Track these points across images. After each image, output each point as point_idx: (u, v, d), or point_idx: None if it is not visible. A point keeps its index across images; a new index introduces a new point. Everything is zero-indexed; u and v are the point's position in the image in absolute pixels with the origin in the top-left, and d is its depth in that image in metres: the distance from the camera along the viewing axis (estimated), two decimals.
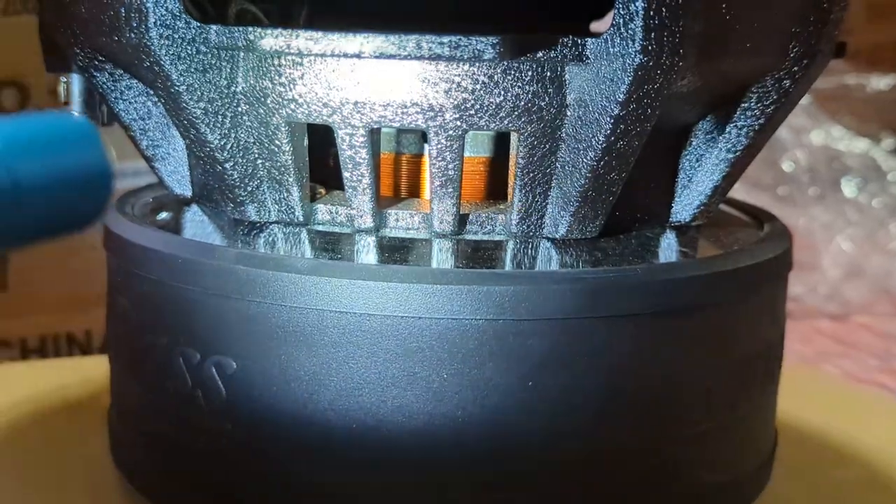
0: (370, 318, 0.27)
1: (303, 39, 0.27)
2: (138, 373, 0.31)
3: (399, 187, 0.32)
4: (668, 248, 0.31)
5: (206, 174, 0.31)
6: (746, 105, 0.31)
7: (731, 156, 0.32)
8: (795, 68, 0.30)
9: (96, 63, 0.32)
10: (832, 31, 0.30)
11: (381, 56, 0.27)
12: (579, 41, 0.27)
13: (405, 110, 0.28)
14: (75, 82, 0.34)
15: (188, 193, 0.34)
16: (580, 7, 0.31)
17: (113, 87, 0.32)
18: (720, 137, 0.31)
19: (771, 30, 0.29)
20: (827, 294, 0.71)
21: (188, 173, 0.34)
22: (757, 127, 0.31)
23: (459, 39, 0.26)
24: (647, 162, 0.31)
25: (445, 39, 0.27)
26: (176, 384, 0.30)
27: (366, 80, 0.28)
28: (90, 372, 0.46)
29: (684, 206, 0.33)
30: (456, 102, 0.28)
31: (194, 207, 0.34)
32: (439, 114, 0.28)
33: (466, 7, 0.31)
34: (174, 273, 0.29)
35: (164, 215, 0.34)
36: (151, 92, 0.32)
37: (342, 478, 0.28)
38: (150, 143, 0.33)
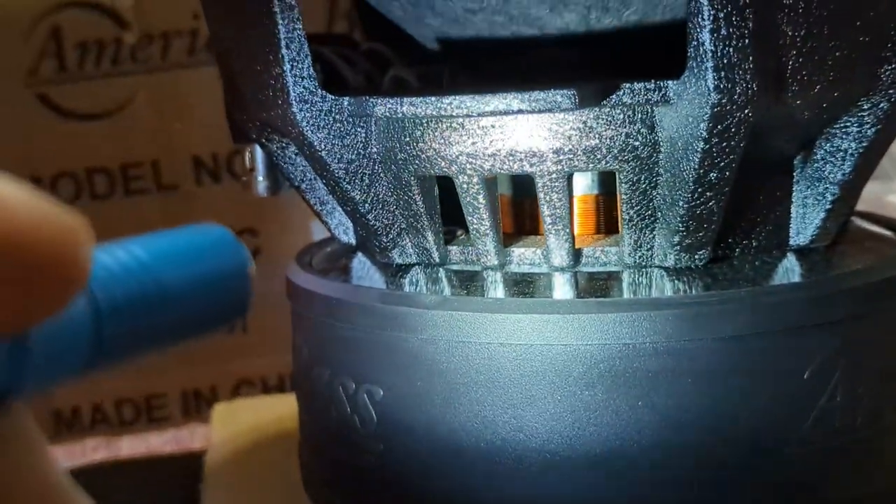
0: (489, 347, 0.30)
1: (409, 106, 0.31)
2: (310, 403, 0.36)
3: (522, 226, 0.35)
4: (783, 271, 0.33)
5: (357, 225, 0.36)
6: (846, 130, 0.32)
7: (839, 179, 0.33)
8: (892, 91, 0.31)
9: (266, 134, 0.37)
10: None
11: (482, 114, 0.31)
12: (661, 84, 0.30)
13: (512, 158, 0.31)
14: (257, 152, 0.40)
15: (353, 242, 0.39)
16: None
17: (281, 154, 0.38)
18: (826, 163, 0.33)
19: (856, 57, 0.30)
20: None
21: (351, 225, 0.38)
22: (861, 150, 0.32)
23: (537, 94, 0.29)
24: (757, 190, 0.32)
25: (527, 95, 0.30)
26: (337, 411, 0.34)
27: (475, 134, 0.31)
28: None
29: (802, 230, 0.34)
30: (554, 148, 0.31)
31: (358, 255, 0.39)
32: (541, 159, 0.31)
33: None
34: (332, 312, 0.34)
35: (332, 263, 0.39)
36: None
37: (471, 488, 0.31)
38: (317, 200, 0.38)
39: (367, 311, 0.33)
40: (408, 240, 0.35)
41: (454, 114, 0.31)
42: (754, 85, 0.28)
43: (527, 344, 0.30)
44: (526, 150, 0.31)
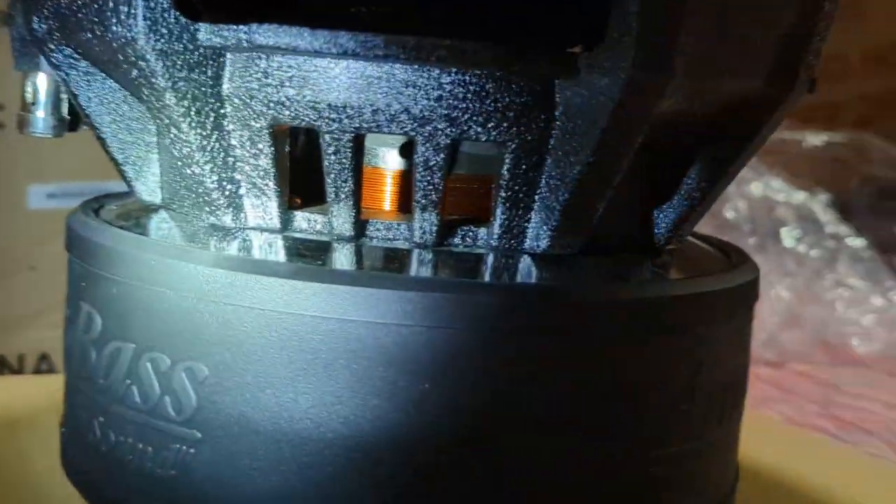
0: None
1: (289, 37, 0.27)
2: (99, 381, 0.30)
3: (380, 201, 0.32)
4: (642, 270, 0.32)
5: (182, 178, 0.31)
6: (723, 132, 0.31)
7: (704, 182, 0.32)
8: (776, 95, 0.30)
9: (72, 61, 0.31)
10: (812, 62, 0.30)
11: (371, 58, 0.27)
12: (571, 54, 0.27)
13: (394, 116, 0.28)
14: (43, 82, 0.33)
15: (157, 200, 0.33)
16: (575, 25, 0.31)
17: (87, 87, 0.32)
18: (696, 163, 0.32)
19: (756, 52, 0.29)
20: (765, 341, 0.72)
21: (158, 179, 0.33)
22: (731, 156, 0.31)
23: (455, 44, 0.26)
24: (627, 183, 0.31)
25: (445, 43, 0.27)
26: (143, 391, 0.29)
27: (355, 83, 0.28)
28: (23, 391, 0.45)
29: (659, 230, 0.33)
30: (447, 111, 0.28)
31: (162, 214, 0.33)
32: (429, 122, 0.28)
33: (462, 17, 0.31)
34: (146, 275, 0.29)
35: (131, 220, 0.33)
36: (128, 93, 0.32)
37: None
38: (120, 146, 0.33)
39: (197, 276, 0.28)
40: (246, 200, 0.30)
41: (345, 52, 0.27)
42: (672, 66, 0.27)
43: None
44: (412, 109, 0.28)
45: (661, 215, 0.32)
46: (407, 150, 0.33)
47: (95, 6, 0.28)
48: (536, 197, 0.29)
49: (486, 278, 0.29)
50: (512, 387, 0.27)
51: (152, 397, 0.29)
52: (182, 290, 0.28)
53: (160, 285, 0.29)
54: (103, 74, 0.31)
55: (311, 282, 0.27)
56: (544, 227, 0.30)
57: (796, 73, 0.30)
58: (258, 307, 0.27)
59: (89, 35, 0.29)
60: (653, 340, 0.29)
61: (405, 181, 0.32)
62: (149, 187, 0.33)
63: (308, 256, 0.29)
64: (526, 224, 0.30)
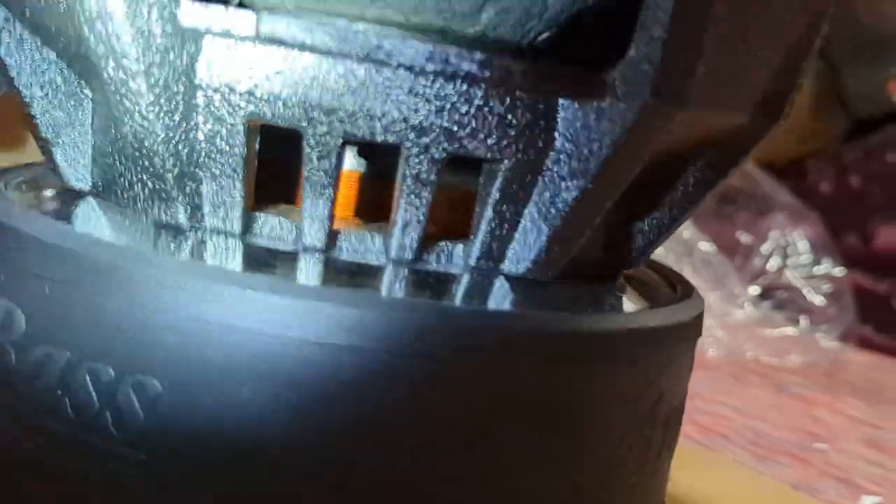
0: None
1: (284, 25, 0.24)
2: (18, 387, 0.27)
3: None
4: (609, 298, 0.31)
5: (132, 168, 0.28)
6: (703, 161, 0.30)
7: (676, 210, 0.31)
8: (762, 127, 0.30)
9: (5, 23, 0.27)
10: (793, 95, 0.30)
11: (368, 60, 0.25)
12: (579, 74, 0.26)
13: (391, 125, 0.26)
14: None
15: (85, 186, 0.30)
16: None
17: (18, 55, 0.28)
18: (673, 189, 0.31)
19: (751, 86, 0.29)
20: None
21: (90, 164, 0.30)
22: (708, 183, 0.31)
23: (462, 54, 0.24)
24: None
25: (455, 52, 0.25)
26: (77, 404, 0.26)
27: (350, 85, 0.25)
28: None
29: (627, 256, 0.32)
30: (447, 123, 0.26)
31: (90, 202, 0.30)
32: (427, 133, 0.26)
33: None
34: (91, 278, 0.26)
35: (53, 206, 0.30)
36: (65, 67, 0.28)
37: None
38: (51, 123, 0.29)
39: (154, 283, 0.25)
40: (206, 199, 0.27)
41: (348, 53, 0.24)
42: (687, 93, 0.26)
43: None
44: (410, 118, 0.26)
45: (629, 241, 0.32)
46: (366, 151, 0.31)
47: None
48: (523, 219, 0.28)
49: (459, 301, 0.27)
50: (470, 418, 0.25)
51: (88, 411, 0.26)
52: (136, 297, 0.25)
53: (108, 290, 0.26)
54: (40, 42, 0.28)
55: (292, 299, 0.25)
56: (526, 251, 0.28)
57: (782, 107, 0.30)
58: (231, 323, 0.25)
59: (41, 2, 0.25)
60: (621, 370, 0.28)
61: (368, 186, 0.30)
62: (78, 172, 0.30)
63: (276, 267, 0.27)
64: (507, 246, 0.28)
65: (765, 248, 0.92)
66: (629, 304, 0.31)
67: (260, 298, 0.25)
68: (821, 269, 0.91)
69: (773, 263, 0.92)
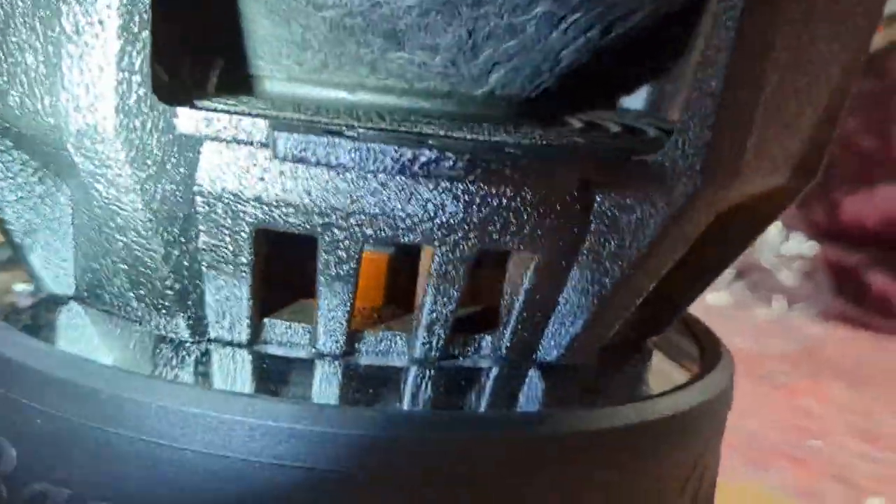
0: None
1: (297, 143, 0.22)
2: None
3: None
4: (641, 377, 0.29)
5: (127, 282, 0.25)
6: (738, 225, 0.28)
7: (709, 276, 0.29)
8: (797, 187, 0.28)
9: None
10: (828, 148, 0.28)
11: (380, 172, 0.22)
12: (615, 160, 0.24)
13: (414, 226, 0.23)
14: None
15: (68, 291, 0.27)
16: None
17: None
18: (705, 264, 0.29)
19: (789, 151, 0.26)
20: None
21: (71, 266, 0.27)
22: (740, 246, 0.29)
23: (501, 159, 0.22)
24: None
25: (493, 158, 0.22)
26: None
27: (368, 186, 0.23)
28: None
29: (655, 327, 0.30)
30: (476, 220, 0.23)
31: (74, 308, 0.27)
32: (454, 231, 0.23)
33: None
34: (90, 410, 0.23)
35: (31, 318, 0.27)
36: (43, 170, 0.25)
37: None
38: (26, 229, 0.26)
39: (155, 416, 0.23)
40: (211, 310, 0.25)
41: (343, 164, 0.22)
42: (734, 173, 0.24)
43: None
44: (435, 214, 0.23)
45: (662, 310, 0.30)
46: None
47: (45, 83, 0.22)
48: (559, 305, 0.26)
49: (488, 400, 0.25)
50: None
51: None
52: (142, 431, 0.23)
53: (111, 423, 0.23)
54: (17, 148, 0.25)
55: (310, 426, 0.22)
56: (561, 338, 0.26)
57: (819, 163, 0.28)
58: (250, 458, 0.22)
59: (25, 112, 0.22)
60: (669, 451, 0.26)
61: (390, 271, 0.28)
62: (59, 276, 0.27)
63: (289, 378, 0.24)
64: (541, 334, 0.26)
65: None
66: (661, 380, 0.29)
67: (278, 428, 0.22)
68: (791, 245, 0.90)
69: None
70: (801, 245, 0.90)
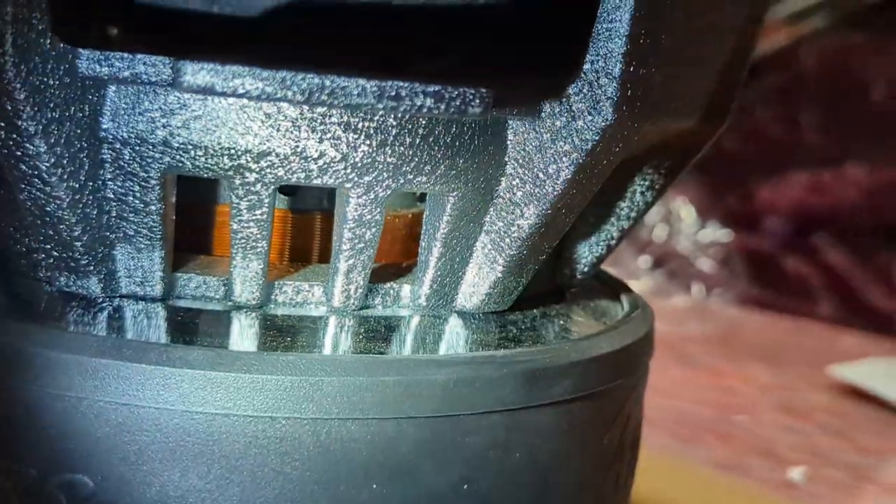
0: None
1: (205, 73, 0.21)
2: None
3: (285, 252, 0.27)
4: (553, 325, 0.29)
5: (29, 235, 0.24)
6: (652, 167, 0.29)
7: (625, 220, 0.29)
8: (709, 130, 0.28)
9: None
10: (736, 95, 0.29)
11: (299, 102, 0.22)
12: (531, 94, 0.24)
13: (328, 165, 0.23)
14: None
15: None
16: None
17: None
18: (617, 204, 0.29)
19: (698, 91, 0.27)
20: None
21: None
22: (653, 193, 0.29)
23: (415, 88, 0.22)
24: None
25: (386, 86, 0.22)
26: None
27: (280, 126, 0.22)
28: None
29: (576, 272, 0.30)
30: (391, 159, 0.23)
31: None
32: (369, 171, 0.23)
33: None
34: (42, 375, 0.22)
35: None
36: None
37: None
38: None
39: (74, 368, 0.22)
40: (120, 263, 0.24)
41: (264, 93, 0.21)
42: (647, 107, 0.24)
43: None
44: (348, 155, 0.23)
45: (578, 255, 0.30)
46: (291, 188, 0.28)
47: None
48: (475, 251, 0.25)
49: (410, 349, 0.25)
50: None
51: None
52: (51, 385, 0.22)
53: (21, 379, 0.22)
54: None
55: (234, 372, 0.22)
56: (480, 285, 0.26)
57: (728, 107, 0.28)
58: (166, 406, 0.22)
59: None
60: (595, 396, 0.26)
61: (296, 225, 0.27)
62: None
63: (206, 331, 0.24)
64: (459, 281, 0.26)
65: (649, 217, 0.92)
66: (584, 325, 0.29)
67: (198, 375, 0.22)
68: (707, 233, 0.91)
69: (659, 233, 0.92)
70: (717, 232, 0.91)
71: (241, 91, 0.20)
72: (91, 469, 0.22)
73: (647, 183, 0.29)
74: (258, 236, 0.24)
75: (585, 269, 0.30)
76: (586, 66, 0.23)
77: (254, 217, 0.23)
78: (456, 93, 0.21)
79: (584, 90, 0.23)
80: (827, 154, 0.98)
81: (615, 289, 0.32)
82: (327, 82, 0.20)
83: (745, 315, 0.88)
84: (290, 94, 0.20)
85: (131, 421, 0.22)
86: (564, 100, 0.24)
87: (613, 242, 0.29)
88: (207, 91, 0.20)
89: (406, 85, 0.21)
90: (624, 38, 0.23)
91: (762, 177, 0.96)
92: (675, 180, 0.29)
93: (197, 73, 0.20)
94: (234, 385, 0.22)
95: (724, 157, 1.00)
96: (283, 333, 0.24)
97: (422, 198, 0.27)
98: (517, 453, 0.24)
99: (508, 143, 0.24)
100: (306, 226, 0.27)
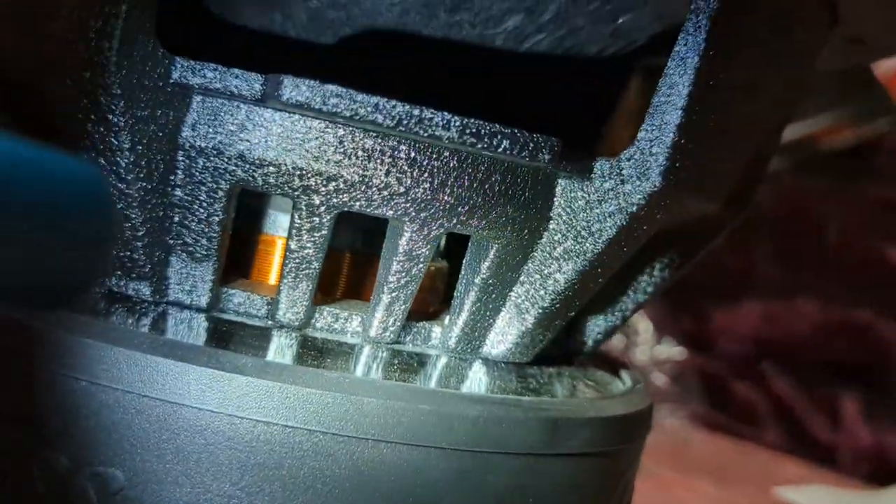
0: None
1: (305, 89, 0.22)
2: None
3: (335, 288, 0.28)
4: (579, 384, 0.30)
5: None
6: (672, 248, 0.30)
7: (641, 296, 0.31)
8: (730, 215, 0.30)
9: None
10: (758, 187, 0.30)
11: (368, 131, 0.23)
12: (584, 155, 0.25)
13: (391, 197, 0.24)
14: None
15: None
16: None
17: None
18: (636, 277, 0.30)
19: (725, 176, 0.28)
20: None
21: None
22: (670, 272, 0.30)
23: (510, 133, 0.23)
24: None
25: (469, 122, 0.23)
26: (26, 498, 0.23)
27: (353, 154, 0.24)
28: None
29: (581, 339, 0.31)
30: (448, 198, 0.24)
31: None
32: (426, 208, 0.24)
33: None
34: (41, 354, 0.23)
35: None
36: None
37: None
38: None
39: (114, 361, 0.22)
40: (173, 270, 0.25)
41: (354, 115, 0.22)
42: (692, 178, 0.25)
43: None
44: (409, 190, 0.24)
45: (594, 323, 0.31)
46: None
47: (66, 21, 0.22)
48: (509, 300, 0.27)
49: (440, 385, 0.26)
50: None
51: None
52: (95, 376, 0.23)
53: (65, 368, 0.23)
54: None
55: (280, 382, 0.22)
56: (508, 334, 0.27)
57: (750, 197, 0.30)
58: (209, 408, 0.22)
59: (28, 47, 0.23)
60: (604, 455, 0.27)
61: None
62: None
63: (255, 347, 0.24)
64: (489, 328, 0.27)
65: None
66: (594, 389, 0.30)
67: (244, 381, 0.22)
68: (662, 349, 0.93)
69: (616, 343, 0.93)
70: (672, 349, 0.93)
71: (336, 110, 0.21)
72: (125, 463, 0.23)
73: (666, 260, 0.30)
74: (312, 258, 0.24)
75: (599, 338, 0.31)
76: (641, 135, 0.25)
77: (312, 239, 0.24)
78: (530, 138, 0.23)
79: (636, 156, 0.25)
80: (780, 287, 1.01)
81: (615, 365, 0.33)
82: (416, 111, 0.22)
83: (693, 432, 0.89)
84: (380, 118, 0.21)
85: (173, 419, 0.22)
86: (615, 163, 0.25)
87: (628, 314, 0.31)
88: (303, 108, 0.21)
89: (486, 124, 0.22)
90: (679, 112, 0.24)
91: (717, 302, 0.99)
92: (691, 263, 0.30)
93: (296, 88, 0.21)
94: (279, 395, 0.22)
95: (682, 280, 1.03)
96: (322, 354, 0.25)
97: (443, 255, 0.29)
98: (531, 499, 0.25)
99: (556, 198, 0.26)
100: (336, 262, 0.27)
